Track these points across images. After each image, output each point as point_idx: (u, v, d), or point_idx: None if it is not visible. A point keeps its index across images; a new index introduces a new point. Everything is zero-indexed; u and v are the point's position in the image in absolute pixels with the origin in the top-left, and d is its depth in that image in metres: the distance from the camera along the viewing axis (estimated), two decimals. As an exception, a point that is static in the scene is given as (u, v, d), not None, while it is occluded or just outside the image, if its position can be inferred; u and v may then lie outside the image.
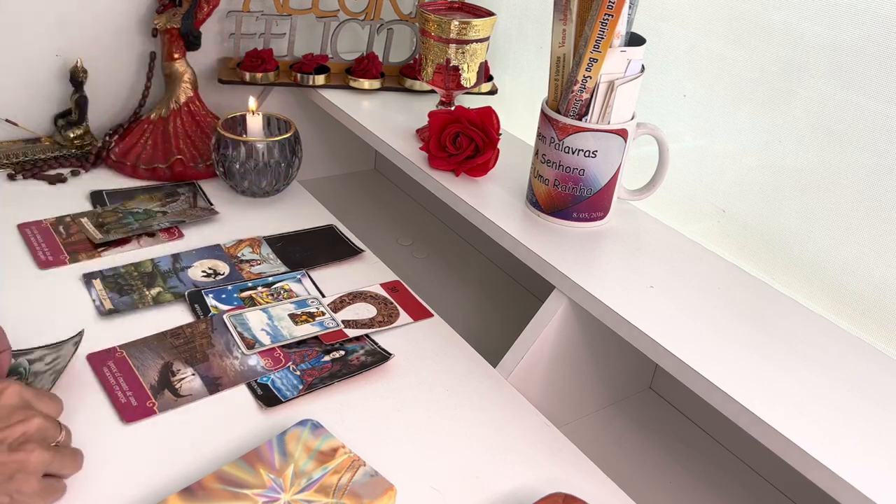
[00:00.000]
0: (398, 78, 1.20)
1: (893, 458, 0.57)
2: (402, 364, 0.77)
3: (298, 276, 0.89)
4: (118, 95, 1.15)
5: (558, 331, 0.78)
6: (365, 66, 1.17)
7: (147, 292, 0.83)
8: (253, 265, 0.91)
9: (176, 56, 1.11)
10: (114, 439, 0.65)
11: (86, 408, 0.67)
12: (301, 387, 0.72)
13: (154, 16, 1.10)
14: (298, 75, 1.16)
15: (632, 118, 0.81)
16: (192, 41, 1.10)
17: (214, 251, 0.92)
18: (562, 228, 0.85)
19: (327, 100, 1.14)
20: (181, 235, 0.95)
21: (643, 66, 0.79)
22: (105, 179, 1.07)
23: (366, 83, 1.17)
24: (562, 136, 0.81)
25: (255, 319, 0.80)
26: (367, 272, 0.93)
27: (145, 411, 0.68)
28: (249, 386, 0.72)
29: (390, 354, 0.78)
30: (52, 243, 0.90)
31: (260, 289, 0.86)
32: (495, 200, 0.89)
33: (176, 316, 0.81)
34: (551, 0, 0.78)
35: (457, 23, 0.92)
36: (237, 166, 1.01)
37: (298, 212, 1.04)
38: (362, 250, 0.96)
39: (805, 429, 0.59)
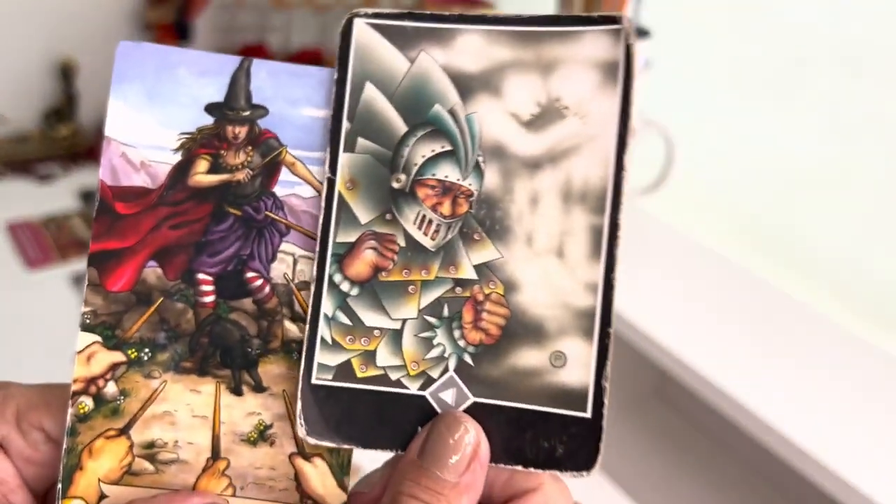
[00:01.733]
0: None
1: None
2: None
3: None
4: (109, 91, 1.13)
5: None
6: (362, 60, 1.16)
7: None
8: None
9: (169, 51, 1.09)
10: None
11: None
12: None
13: (146, 9, 1.08)
14: (294, 70, 1.15)
15: (637, 114, 0.79)
16: (184, 34, 1.08)
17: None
18: (564, 227, 0.83)
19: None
20: (174, 235, 0.94)
21: (647, 61, 0.77)
22: (96, 177, 1.05)
23: (363, 78, 1.15)
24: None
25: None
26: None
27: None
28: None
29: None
30: (41, 242, 0.88)
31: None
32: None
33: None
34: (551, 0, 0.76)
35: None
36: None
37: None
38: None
39: (824, 436, 0.57)
